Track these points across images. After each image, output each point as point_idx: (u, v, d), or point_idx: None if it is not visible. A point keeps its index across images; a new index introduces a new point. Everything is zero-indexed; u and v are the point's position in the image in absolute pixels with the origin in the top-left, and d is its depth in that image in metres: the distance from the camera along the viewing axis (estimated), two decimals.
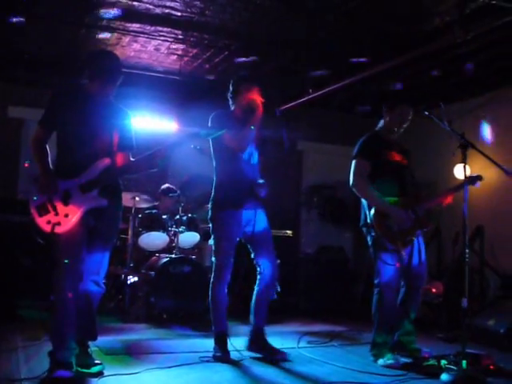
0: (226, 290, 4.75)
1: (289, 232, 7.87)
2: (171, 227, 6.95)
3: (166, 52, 7.07)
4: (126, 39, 6.66)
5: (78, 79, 4.18)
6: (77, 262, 3.81)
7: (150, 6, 5.71)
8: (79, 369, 3.91)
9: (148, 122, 7.97)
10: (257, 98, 4.75)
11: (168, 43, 6.75)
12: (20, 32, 6.44)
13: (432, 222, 6.55)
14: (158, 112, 8.14)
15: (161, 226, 6.94)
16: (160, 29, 6.30)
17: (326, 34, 6.21)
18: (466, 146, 4.47)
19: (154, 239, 6.94)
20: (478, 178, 4.84)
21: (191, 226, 7.01)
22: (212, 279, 4.76)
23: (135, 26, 6.26)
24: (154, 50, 7.01)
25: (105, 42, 6.74)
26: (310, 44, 6.55)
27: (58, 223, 3.80)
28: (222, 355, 4.64)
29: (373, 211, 4.65)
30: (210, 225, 4.82)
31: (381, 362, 4.67)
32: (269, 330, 4.79)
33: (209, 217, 4.85)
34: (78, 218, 3.84)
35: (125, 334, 5.62)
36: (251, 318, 4.84)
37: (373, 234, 4.71)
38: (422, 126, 6.24)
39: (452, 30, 5.54)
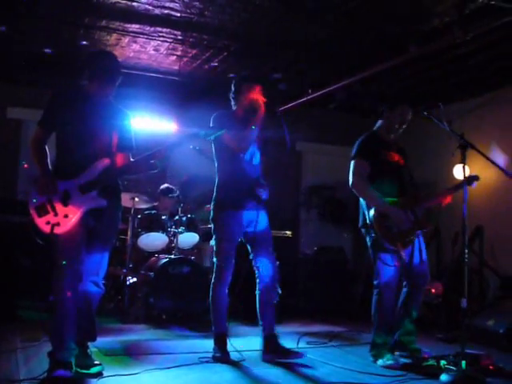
0: (227, 291, 4.75)
1: (288, 232, 7.86)
2: (170, 228, 6.94)
3: (165, 53, 7.07)
4: (126, 40, 6.66)
5: (77, 80, 4.17)
6: (76, 262, 3.81)
7: (150, 7, 5.71)
8: (78, 369, 3.91)
9: (147, 123, 7.96)
10: (259, 97, 4.73)
11: (167, 44, 6.75)
12: (19, 33, 6.45)
13: (431, 223, 6.55)
14: (158, 112, 8.14)
15: (160, 227, 6.94)
16: (159, 29, 6.30)
17: (325, 34, 6.21)
18: (466, 147, 4.47)
19: (153, 240, 6.94)
20: (475, 178, 4.83)
21: (190, 226, 7.01)
22: (213, 280, 4.75)
23: (134, 27, 6.26)
24: (153, 50, 7.01)
25: (104, 43, 6.74)
26: (310, 44, 6.54)
27: (58, 224, 3.80)
28: (221, 356, 4.64)
29: (372, 212, 4.65)
30: (212, 225, 4.82)
31: (380, 362, 4.66)
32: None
33: (210, 217, 4.85)
34: (77, 219, 3.84)
35: (124, 335, 5.62)
36: (260, 323, 4.80)
37: (372, 234, 4.71)
38: (421, 127, 6.25)
39: (451, 30, 5.55)
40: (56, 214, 3.82)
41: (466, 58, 6.54)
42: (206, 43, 6.67)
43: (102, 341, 4.80)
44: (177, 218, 6.97)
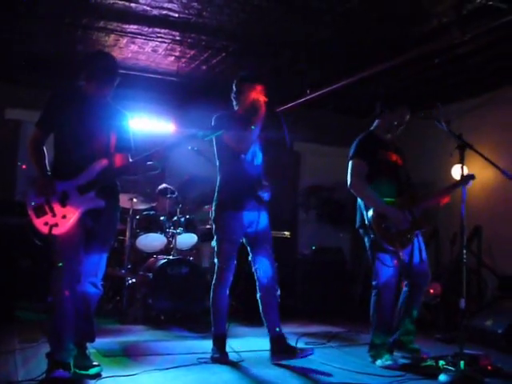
0: (228, 292, 4.74)
1: (286, 233, 7.87)
2: (169, 228, 6.94)
3: (163, 53, 7.08)
4: (124, 40, 6.66)
5: (75, 81, 4.17)
6: (74, 263, 3.81)
7: (148, 8, 5.71)
8: (77, 370, 3.91)
9: (146, 124, 7.97)
10: (260, 97, 4.71)
11: (165, 44, 6.75)
12: (18, 33, 6.45)
13: (429, 223, 6.56)
14: (156, 113, 8.14)
15: (159, 228, 6.94)
16: (157, 30, 6.30)
17: (323, 35, 6.21)
18: (464, 147, 4.47)
19: (151, 240, 6.93)
20: (471, 177, 4.81)
21: (189, 227, 7.01)
22: (214, 281, 4.74)
23: (133, 28, 6.26)
24: (151, 51, 7.01)
25: (102, 44, 6.74)
26: (308, 45, 6.55)
27: (56, 224, 3.79)
28: (220, 356, 4.64)
29: (371, 212, 4.64)
30: (213, 226, 4.81)
31: (379, 362, 4.67)
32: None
33: (211, 218, 4.84)
34: (75, 220, 3.83)
35: (123, 336, 5.62)
36: (265, 325, 4.77)
37: (371, 235, 4.71)
38: (420, 127, 6.25)
39: (449, 30, 5.56)
40: (54, 215, 3.82)
41: (464, 58, 6.54)
42: (204, 44, 6.68)
43: (101, 342, 4.80)
44: (175, 218, 6.97)
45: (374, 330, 4.79)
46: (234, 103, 4.91)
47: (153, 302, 6.32)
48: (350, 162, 4.83)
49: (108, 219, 4.08)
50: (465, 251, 4.36)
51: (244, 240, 4.83)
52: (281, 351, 4.66)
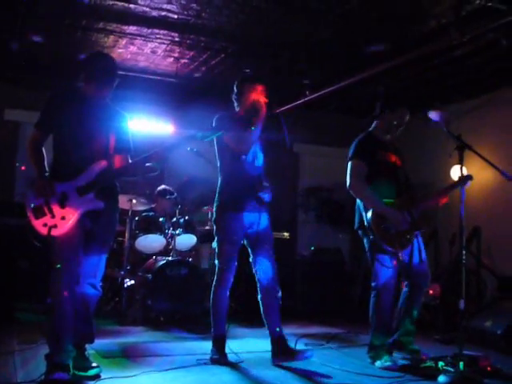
0: (228, 294, 4.73)
1: (286, 234, 7.86)
2: (168, 230, 6.94)
3: (162, 54, 7.08)
4: (123, 42, 6.66)
5: (74, 82, 4.17)
6: (73, 264, 3.81)
7: (147, 9, 5.71)
8: (76, 372, 3.91)
9: (145, 125, 7.96)
10: (260, 98, 4.69)
11: (165, 46, 6.75)
12: (17, 34, 6.45)
13: (428, 224, 6.56)
14: (155, 114, 8.14)
15: (158, 229, 6.94)
16: (157, 31, 6.30)
17: (322, 35, 6.21)
18: (463, 148, 4.47)
19: (150, 242, 6.93)
20: (469, 177, 4.81)
21: (188, 228, 7.00)
22: (214, 282, 4.73)
23: (132, 29, 6.26)
24: (150, 52, 7.01)
25: (102, 45, 6.74)
26: (307, 46, 6.55)
27: (55, 226, 3.79)
28: (219, 358, 4.63)
29: (370, 213, 4.64)
30: (214, 227, 4.80)
31: (378, 364, 4.67)
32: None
33: (212, 219, 4.84)
34: (74, 221, 3.83)
35: (122, 337, 5.62)
36: (266, 327, 4.76)
37: (370, 236, 4.70)
38: (419, 128, 6.26)
39: (448, 32, 5.56)
40: (53, 216, 3.81)
41: (463, 59, 6.55)
42: (203, 45, 6.68)
43: (100, 343, 4.80)
44: (174, 219, 6.97)
45: (373, 331, 4.79)
46: (235, 104, 4.89)
47: (152, 303, 6.32)
48: (350, 163, 4.83)
49: (107, 220, 4.08)
50: (464, 252, 4.37)
51: (245, 241, 4.81)
52: (281, 353, 4.65)
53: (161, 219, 7.01)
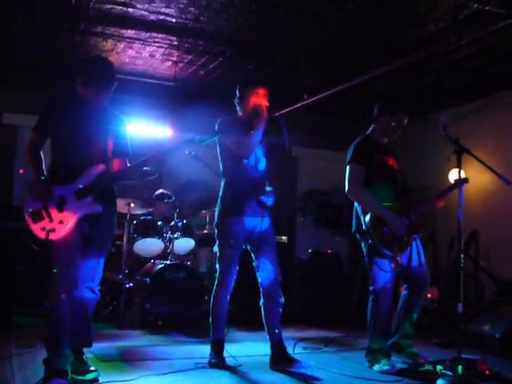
0: (229, 298, 4.72)
1: (284, 238, 7.85)
2: (166, 233, 6.94)
3: (160, 58, 7.08)
4: (121, 45, 6.67)
5: (72, 85, 4.17)
6: (71, 268, 3.81)
7: (145, 13, 5.72)
8: (74, 376, 3.90)
9: (143, 128, 7.97)
10: (262, 102, 4.69)
11: (163, 49, 6.76)
12: (15, 38, 6.45)
13: (426, 227, 6.56)
14: (153, 118, 8.14)
15: (156, 232, 6.94)
16: (155, 35, 6.31)
17: (320, 40, 6.22)
18: (461, 152, 4.48)
19: (149, 245, 6.93)
20: (465, 180, 4.81)
21: (186, 231, 7.00)
22: (215, 286, 4.71)
23: (130, 33, 6.26)
24: (148, 56, 7.02)
25: (100, 49, 6.75)
26: (305, 50, 6.56)
27: (53, 230, 3.79)
28: (217, 361, 4.63)
29: (368, 217, 4.64)
30: (215, 231, 4.78)
31: (376, 367, 4.66)
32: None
33: (214, 223, 4.82)
34: (72, 225, 3.83)
35: (120, 341, 5.61)
36: (267, 332, 4.75)
37: (368, 240, 4.70)
38: (417, 132, 6.26)
39: (446, 35, 5.56)
40: (51, 220, 3.81)
41: (460, 63, 6.56)
42: (201, 49, 6.68)
43: (98, 347, 4.78)
44: (172, 223, 6.97)
45: (371, 335, 4.79)
46: (238, 108, 4.89)
47: (150, 307, 6.32)
48: (348, 167, 4.82)
49: (105, 224, 4.08)
50: (462, 255, 4.36)
51: (248, 246, 4.79)
52: (280, 360, 4.64)
53: (159, 223, 7.01)
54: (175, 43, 6.53)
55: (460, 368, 4.10)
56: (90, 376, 4.03)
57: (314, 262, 8.08)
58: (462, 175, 4.60)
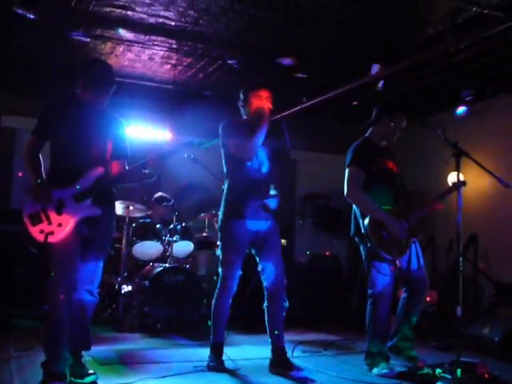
0: (230, 302, 4.70)
1: (283, 241, 7.83)
2: (165, 236, 6.93)
3: (159, 61, 7.09)
4: (120, 48, 6.68)
5: (71, 88, 4.18)
6: (70, 271, 3.80)
7: (144, 16, 5.73)
8: (73, 379, 3.89)
9: (142, 131, 7.97)
10: (265, 105, 4.69)
11: (162, 52, 6.77)
12: (15, 40, 6.46)
13: (425, 230, 6.56)
14: (152, 121, 8.15)
15: (155, 235, 6.93)
16: (154, 38, 6.32)
17: (320, 43, 6.23)
18: (460, 155, 4.48)
19: (147, 248, 6.92)
20: (462, 183, 4.80)
21: (185, 235, 6.99)
22: (217, 290, 4.69)
23: (129, 36, 6.27)
24: (147, 59, 7.02)
25: (99, 51, 6.75)
26: (304, 53, 6.56)
27: (52, 233, 3.78)
28: (216, 364, 4.61)
29: (367, 220, 4.64)
30: (219, 234, 4.76)
31: (375, 371, 4.65)
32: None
33: (218, 226, 4.80)
34: (71, 228, 3.83)
35: (119, 344, 5.60)
36: (269, 335, 4.73)
37: (367, 243, 4.69)
38: (416, 135, 6.26)
39: (445, 39, 5.57)
40: (50, 223, 3.81)
41: (459, 66, 6.57)
42: (200, 52, 6.69)
43: (97, 350, 4.78)
44: (171, 226, 6.97)
45: (370, 339, 4.78)
46: (242, 111, 4.89)
47: (149, 310, 6.31)
48: (347, 170, 4.81)
49: (104, 227, 4.07)
50: (461, 259, 4.36)
51: (252, 249, 4.77)
52: (279, 364, 4.62)
53: (158, 226, 7.01)
54: (174, 46, 6.54)
55: (459, 371, 4.09)
56: (88, 379, 4.02)
57: (312, 265, 8.07)
58: (461, 178, 4.60)
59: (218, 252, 4.74)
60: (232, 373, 4.56)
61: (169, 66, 7.27)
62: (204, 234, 7.41)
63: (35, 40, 6.46)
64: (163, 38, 6.31)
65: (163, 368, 4.62)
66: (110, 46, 6.61)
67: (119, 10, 5.60)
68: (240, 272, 4.67)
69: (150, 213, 7.36)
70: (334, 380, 4.46)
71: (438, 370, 4.40)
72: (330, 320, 7.49)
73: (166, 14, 5.65)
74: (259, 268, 4.76)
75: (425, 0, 5.22)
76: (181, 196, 7.43)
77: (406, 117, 4.96)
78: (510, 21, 5.11)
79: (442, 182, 7.14)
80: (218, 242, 4.77)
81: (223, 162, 4.80)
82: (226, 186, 4.78)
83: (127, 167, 4.21)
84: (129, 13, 5.66)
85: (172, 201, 7.22)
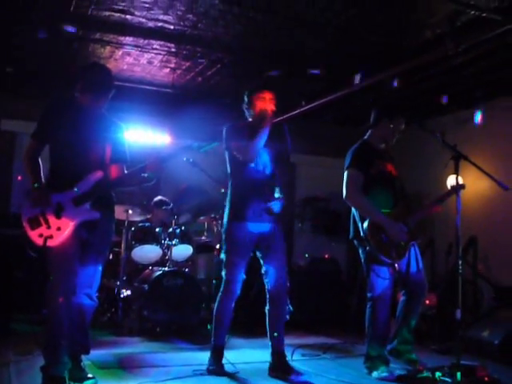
0: (233, 305, 4.68)
1: None
2: (164, 240, 6.93)
3: (158, 65, 7.09)
4: (119, 52, 6.68)
5: (70, 92, 4.18)
6: (69, 275, 3.80)
7: (143, 20, 5.73)
8: (72, 383, 3.88)
9: (141, 135, 7.97)
10: (267, 107, 4.70)
11: (161, 56, 6.77)
12: (14, 44, 6.46)
13: (424, 233, 6.56)
14: (151, 125, 8.14)
15: (154, 239, 6.93)
16: (153, 42, 6.32)
17: (319, 46, 6.23)
18: (459, 158, 4.48)
19: (147, 252, 6.92)
20: (461, 186, 4.81)
21: (184, 238, 6.99)
22: (220, 293, 4.68)
23: (128, 40, 6.27)
24: (146, 63, 7.02)
25: (98, 56, 6.76)
26: (303, 57, 6.57)
27: (51, 236, 3.79)
28: (215, 368, 4.61)
29: (366, 224, 4.63)
30: (223, 236, 4.74)
31: (375, 374, 4.65)
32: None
33: (223, 229, 4.78)
34: (70, 232, 3.83)
35: (118, 348, 5.59)
36: (269, 339, 4.72)
37: (366, 246, 4.69)
38: (415, 138, 6.26)
39: (443, 42, 5.58)
40: (49, 227, 3.81)
41: (458, 69, 6.57)
42: (199, 55, 6.69)
43: (96, 354, 4.77)
44: (171, 230, 6.96)
45: (369, 342, 4.78)
46: (246, 114, 4.89)
47: (148, 314, 6.30)
48: (346, 173, 4.81)
49: (103, 231, 4.08)
50: (460, 262, 4.36)
51: (257, 252, 4.75)
52: (279, 368, 4.61)
53: (157, 230, 7.01)
54: (173, 50, 6.54)
55: (459, 374, 4.10)
56: (87, 383, 4.03)
57: (311, 268, 8.07)
58: (460, 181, 4.60)
59: (222, 255, 4.73)
60: (231, 376, 4.55)
61: (168, 70, 7.27)
62: (203, 238, 7.41)
63: (35, 44, 6.46)
64: (162, 42, 6.31)
65: (162, 372, 4.62)
66: (109, 50, 6.61)
67: (118, 14, 5.60)
68: (244, 276, 4.65)
69: (149, 216, 7.36)
70: (333, 383, 4.45)
71: (437, 374, 4.40)
72: (329, 323, 7.48)
73: (165, 17, 5.65)
74: (262, 271, 4.75)
75: (424, 3, 5.22)
76: (183, 196, 7.41)
77: (404, 119, 4.96)
78: (508, 24, 5.11)
79: (441, 185, 7.13)
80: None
81: (227, 164, 4.81)
82: (229, 188, 4.78)
83: (126, 171, 4.21)
84: (128, 17, 5.66)
85: (171, 204, 7.22)
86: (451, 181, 5.06)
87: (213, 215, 6.99)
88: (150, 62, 7.00)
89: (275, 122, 4.70)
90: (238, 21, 5.67)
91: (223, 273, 4.68)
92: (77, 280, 3.86)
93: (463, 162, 4.49)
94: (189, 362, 4.96)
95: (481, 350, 5.67)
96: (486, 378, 4.46)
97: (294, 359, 5.13)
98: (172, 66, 7.09)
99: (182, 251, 7.01)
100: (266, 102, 4.74)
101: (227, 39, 6.15)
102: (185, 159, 6.15)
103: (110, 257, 6.88)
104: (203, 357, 4.81)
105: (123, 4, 5.39)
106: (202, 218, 7.28)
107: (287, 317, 4.73)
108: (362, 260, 4.85)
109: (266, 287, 4.72)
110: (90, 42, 6.39)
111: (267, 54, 6.52)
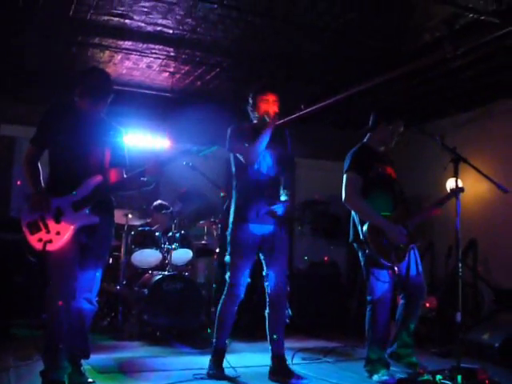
0: (236, 309, 4.68)
1: None
2: (164, 244, 6.92)
3: (157, 69, 7.09)
4: (118, 57, 6.68)
5: (69, 97, 4.18)
6: (69, 279, 3.80)
7: (142, 24, 5.73)
8: None
9: (140, 139, 7.97)
10: (271, 109, 4.71)
11: (160, 60, 6.77)
12: (13, 49, 6.46)
13: (423, 236, 6.56)
14: (150, 129, 8.14)
15: (154, 243, 6.92)
16: (152, 46, 6.32)
17: (317, 50, 6.24)
18: (458, 161, 4.48)
19: (146, 256, 6.91)
20: (460, 189, 4.80)
21: (184, 242, 6.98)
22: (223, 296, 4.68)
23: (127, 44, 6.28)
24: (146, 67, 7.03)
25: (97, 60, 6.76)
26: (302, 61, 6.58)
27: (50, 241, 3.78)
28: (216, 372, 4.60)
29: (366, 227, 4.63)
30: (227, 239, 4.74)
31: (376, 378, 4.64)
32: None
33: (227, 231, 4.78)
34: (69, 236, 3.82)
35: (118, 352, 5.59)
36: (269, 342, 4.71)
37: (366, 250, 4.69)
38: (414, 141, 6.26)
39: (442, 45, 5.58)
40: (48, 231, 3.81)
41: (457, 72, 6.58)
42: (198, 60, 6.70)
43: (96, 358, 4.77)
44: (170, 234, 6.96)
45: (369, 345, 4.77)
46: (251, 116, 4.90)
47: (148, 318, 6.30)
48: (345, 176, 4.81)
49: (103, 235, 4.08)
50: (460, 264, 4.36)
51: (260, 254, 4.74)
52: (279, 372, 4.61)
53: (157, 234, 7.00)
54: (172, 54, 6.54)
55: (459, 377, 4.09)
56: None
57: (311, 271, 8.07)
58: (459, 184, 4.60)
59: (227, 258, 4.72)
60: (232, 380, 4.56)
61: (167, 74, 7.28)
62: (203, 242, 7.40)
63: (34, 49, 6.46)
64: (161, 46, 6.31)
65: (163, 376, 4.61)
66: (109, 55, 6.62)
67: (117, 19, 5.60)
68: (248, 279, 4.65)
69: (148, 221, 7.36)
70: None
71: (438, 377, 4.39)
72: (330, 327, 7.48)
73: (164, 22, 5.65)
74: (264, 274, 4.75)
75: (422, 7, 5.22)
76: (183, 199, 7.40)
77: (403, 122, 4.96)
78: (507, 27, 5.12)
79: (441, 188, 7.14)
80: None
81: (232, 166, 4.82)
82: (234, 190, 4.78)
83: (126, 175, 4.21)
84: (127, 21, 5.66)
85: (171, 208, 7.22)
86: (451, 184, 5.06)
87: (212, 219, 6.99)
88: (149, 66, 7.01)
89: (278, 124, 4.70)
90: (236, 25, 5.68)
91: (227, 275, 4.68)
92: (76, 284, 3.86)
93: (462, 165, 4.49)
94: (189, 366, 4.96)
95: (481, 353, 5.66)
96: (487, 381, 4.45)
97: (295, 363, 5.13)
98: (171, 70, 7.10)
99: (181, 255, 7.00)
100: (270, 104, 4.74)
101: (226, 43, 6.15)
102: (184, 163, 6.16)
103: (110, 261, 6.88)
104: (203, 361, 4.81)
105: (122, 8, 5.40)
106: (201, 221, 7.28)
107: (287, 320, 4.71)
108: (362, 263, 4.85)
109: (266, 291, 4.72)
110: (89, 47, 6.39)
111: (266, 57, 6.53)
